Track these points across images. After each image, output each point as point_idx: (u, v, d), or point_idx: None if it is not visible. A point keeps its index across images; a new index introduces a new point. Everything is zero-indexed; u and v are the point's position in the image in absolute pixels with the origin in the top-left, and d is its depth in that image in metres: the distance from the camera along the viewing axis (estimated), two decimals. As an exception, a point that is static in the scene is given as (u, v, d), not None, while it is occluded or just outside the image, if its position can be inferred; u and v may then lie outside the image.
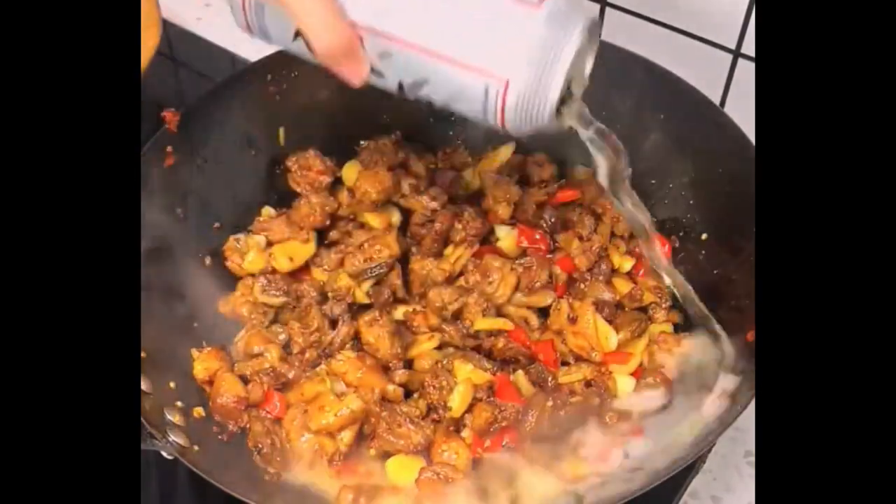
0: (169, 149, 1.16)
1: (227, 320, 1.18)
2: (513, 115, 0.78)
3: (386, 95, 0.87)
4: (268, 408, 1.08)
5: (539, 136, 1.25)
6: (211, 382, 1.09)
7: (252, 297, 1.18)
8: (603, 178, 0.94)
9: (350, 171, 1.30)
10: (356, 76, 0.82)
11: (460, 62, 0.77)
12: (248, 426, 1.06)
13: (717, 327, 1.03)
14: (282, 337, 1.14)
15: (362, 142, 1.33)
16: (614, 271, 1.21)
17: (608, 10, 1.36)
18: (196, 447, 0.98)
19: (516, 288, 1.18)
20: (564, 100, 0.80)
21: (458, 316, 1.16)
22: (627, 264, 1.22)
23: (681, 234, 1.23)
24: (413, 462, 1.03)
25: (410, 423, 1.03)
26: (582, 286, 1.19)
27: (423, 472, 1.00)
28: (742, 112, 1.12)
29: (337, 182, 1.28)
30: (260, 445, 1.03)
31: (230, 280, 1.21)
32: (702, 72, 1.24)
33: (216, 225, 1.23)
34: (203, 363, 1.10)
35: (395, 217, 1.26)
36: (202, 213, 1.21)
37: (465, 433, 1.05)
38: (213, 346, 1.12)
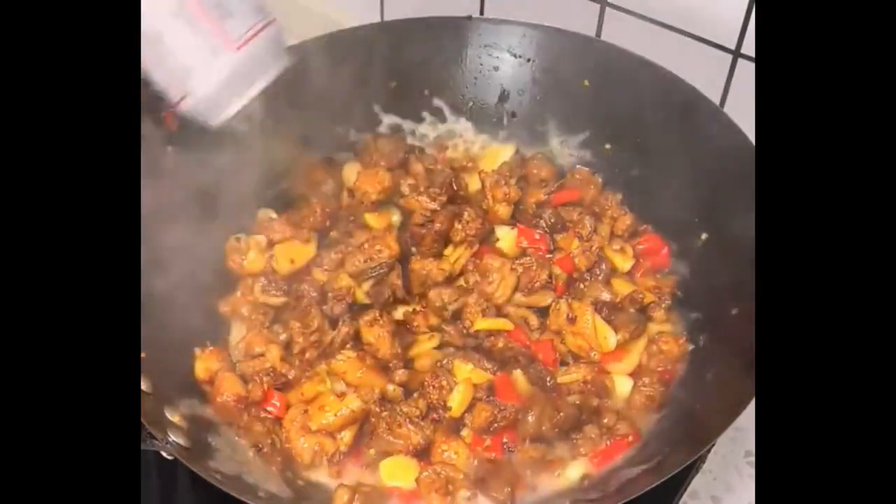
0: (170, 149, 1.15)
1: (226, 320, 1.19)
2: (186, 113, 0.97)
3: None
4: (268, 408, 1.08)
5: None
6: (211, 382, 1.09)
7: (252, 297, 1.18)
8: None
9: (350, 172, 1.30)
10: None
11: (163, 60, 0.94)
12: (248, 426, 1.06)
13: None
14: (282, 337, 1.14)
15: (362, 141, 1.34)
16: (614, 271, 1.21)
17: (608, 9, 1.36)
18: (196, 447, 0.98)
19: (516, 288, 1.18)
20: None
21: (458, 316, 1.16)
22: (627, 264, 1.22)
23: (681, 233, 1.22)
24: (407, 463, 1.03)
25: (410, 424, 1.03)
26: (581, 286, 1.19)
27: (424, 471, 1.00)
28: (742, 112, 1.12)
29: (337, 182, 1.29)
30: (260, 445, 1.03)
31: (230, 280, 1.21)
32: (702, 72, 1.24)
33: (216, 225, 1.23)
34: (204, 363, 1.10)
35: (395, 217, 1.26)
36: (202, 213, 1.21)
37: (465, 433, 1.05)
38: (213, 347, 1.12)
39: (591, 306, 1.13)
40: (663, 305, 1.16)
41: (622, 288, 1.18)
